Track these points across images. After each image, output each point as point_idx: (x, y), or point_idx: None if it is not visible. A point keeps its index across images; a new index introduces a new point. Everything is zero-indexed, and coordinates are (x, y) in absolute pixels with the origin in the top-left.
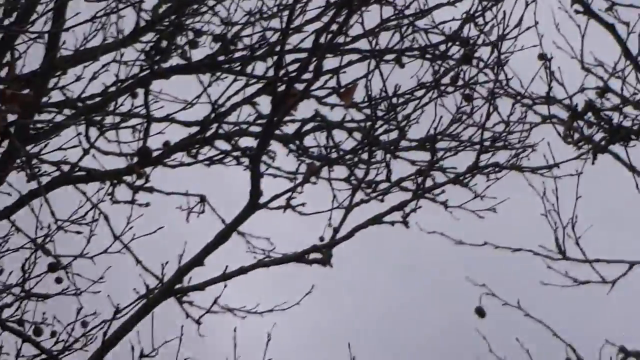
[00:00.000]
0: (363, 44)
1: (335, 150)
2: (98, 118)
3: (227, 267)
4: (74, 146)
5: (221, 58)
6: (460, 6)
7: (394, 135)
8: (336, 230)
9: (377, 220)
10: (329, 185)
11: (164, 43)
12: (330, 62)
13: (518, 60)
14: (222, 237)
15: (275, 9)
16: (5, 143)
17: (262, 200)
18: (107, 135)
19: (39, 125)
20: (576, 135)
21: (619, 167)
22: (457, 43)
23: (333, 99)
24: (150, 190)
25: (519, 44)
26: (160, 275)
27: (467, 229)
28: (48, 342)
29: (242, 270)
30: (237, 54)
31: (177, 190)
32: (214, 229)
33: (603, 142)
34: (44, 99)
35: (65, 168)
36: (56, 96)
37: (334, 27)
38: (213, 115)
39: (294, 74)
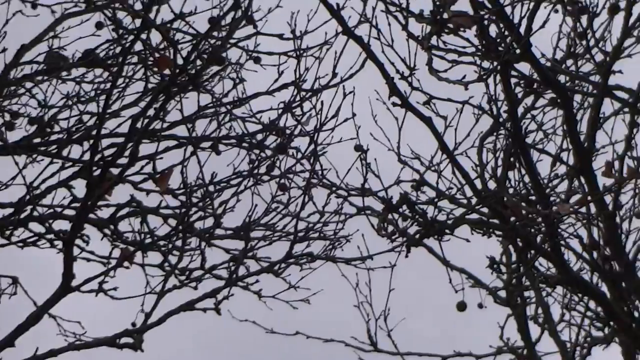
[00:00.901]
0: (180, 131)
1: (149, 236)
2: None
3: (37, 349)
4: None
5: (37, 140)
6: (279, 95)
7: (209, 222)
8: (148, 316)
9: (189, 306)
10: (142, 271)
11: None
12: (146, 148)
13: (335, 151)
14: (33, 319)
15: (92, 93)
16: None
17: (75, 283)
18: None
19: None
20: (390, 228)
21: (433, 260)
22: (274, 132)
23: (149, 185)
24: None
25: (336, 135)
26: None
27: (280, 318)
28: None
29: (52, 353)
30: (53, 137)
31: None
32: (26, 311)
33: (417, 236)
34: None
35: None
36: None
37: (151, 112)
38: (28, 197)
39: (109, 158)
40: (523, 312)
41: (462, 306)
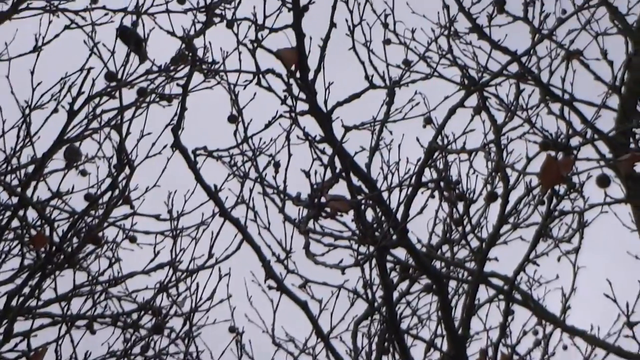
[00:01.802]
0: (55, 308)
1: None
2: None
3: None
4: None
5: None
6: (154, 275)
7: None
8: None
9: None
10: None
11: None
12: (21, 325)
13: (210, 332)
14: None
15: None
16: None
17: None
18: None
19: None
20: None
21: None
22: (150, 312)
23: None
24: None
25: (211, 316)
26: None
27: None
28: None
29: None
30: None
31: None
32: None
33: None
34: None
35: None
36: None
37: (27, 290)
38: None
39: None
40: None
41: None
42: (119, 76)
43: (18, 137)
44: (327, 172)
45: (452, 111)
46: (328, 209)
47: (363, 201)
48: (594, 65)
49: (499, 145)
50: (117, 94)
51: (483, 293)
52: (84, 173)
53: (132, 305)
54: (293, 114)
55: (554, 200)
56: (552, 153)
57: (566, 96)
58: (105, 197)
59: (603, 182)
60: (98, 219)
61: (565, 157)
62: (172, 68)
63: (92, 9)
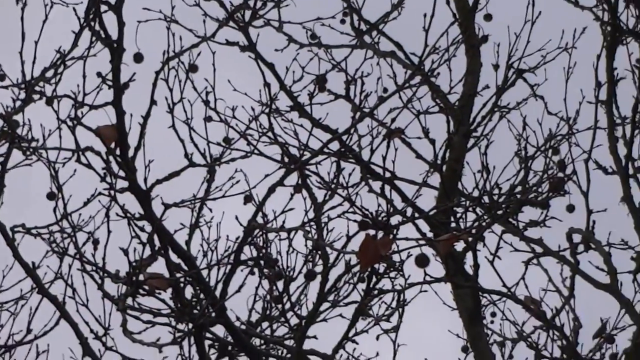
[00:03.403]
0: None
1: None
2: None
3: None
4: None
5: None
6: None
7: None
8: None
9: None
10: None
11: None
12: None
13: None
14: None
15: None
16: None
17: None
18: None
19: None
20: None
21: None
22: None
23: None
24: None
25: None
26: None
27: None
28: None
29: None
30: None
31: None
32: None
33: None
34: None
35: None
36: None
37: None
38: None
39: None
40: None
41: None
42: None
43: None
44: (146, 250)
45: (271, 189)
46: (146, 287)
47: (182, 279)
48: (415, 144)
49: (319, 223)
50: None
51: None
52: None
53: None
54: (112, 191)
55: (374, 279)
56: (372, 232)
57: (387, 174)
58: None
59: (422, 261)
60: None
61: (384, 237)
62: None
63: None
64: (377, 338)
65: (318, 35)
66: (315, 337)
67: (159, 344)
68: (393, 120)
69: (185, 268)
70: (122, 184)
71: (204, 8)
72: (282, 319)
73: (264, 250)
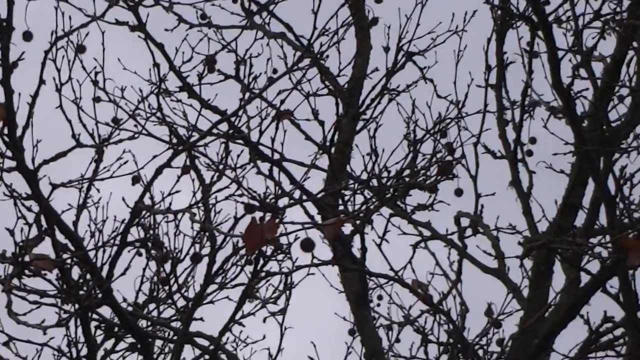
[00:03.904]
0: None
1: None
2: None
3: None
4: None
5: None
6: None
7: None
8: None
9: None
10: None
11: None
12: None
13: None
14: None
15: None
16: None
17: None
18: None
19: None
20: None
21: None
22: None
23: None
24: None
25: None
26: None
27: None
28: None
29: None
30: None
31: None
32: None
33: None
34: None
35: None
36: None
37: None
38: None
39: None
40: None
41: None
42: None
43: None
44: (33, 230)
45: (159, 170)
46: (32, 267)
47: (68, 260)
48: (304, 126)
49: (206, 205)
50: None
51: (189, 353)
52: None
53: None
54: None
55: (261, 261)
56: (258, 215)
57: (276, 156)
58: None
59: (307, 246)
60: None
61: (270, 220)
62: None
63: None
64: (264, 321)
65: (208, 16)
66: (202, 319)
67: (43, 325)
68: (282, 101)
69: (72, 249)
70: (9, 163)
71: None
72: (169, 301)
73: (151, 232)
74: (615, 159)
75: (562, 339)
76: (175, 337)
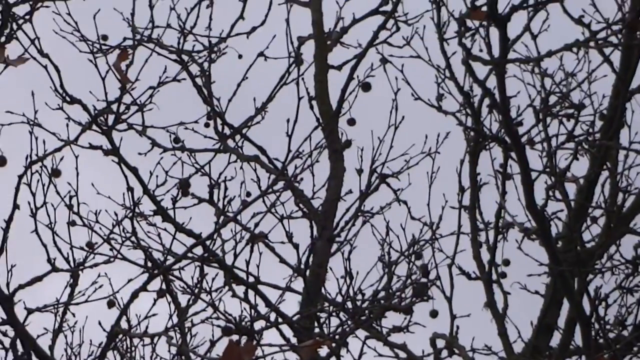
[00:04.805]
0: None
1: None
2: None
3: None
4: None
5: None
6: None
7: None
8: None
9: None
10: None
11: None
12: None
13: None
14: None
15: None
16: None
17: None
18: None
19: None
20: None
21: None
22: None
23: None
24: None
25: None
26: None
27: None
28: None
29: None
30: None
31: None
32: None
33: None
34: None
35: None
36: None
37: None
38: None
39: None
40: None
41: None
42: None
43: None
44: (9, 355)
45: (135, 294)
46: None
47: None
48: (279, 248)
49: (182, 328)
50: None
51: None
52: None
53: None
54: None
55: None
56: (235, 337)
57: (251, 279)
58: None
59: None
60: None
61: (247, 342)
62: None
63: None
64: None
65: (181, 139)
66: None
67: None
68: (257, 224)
69: None
70: None
71: (67, 112)
72: None
73: (127, 355)
74: (589, 280)
75: None
76: None
